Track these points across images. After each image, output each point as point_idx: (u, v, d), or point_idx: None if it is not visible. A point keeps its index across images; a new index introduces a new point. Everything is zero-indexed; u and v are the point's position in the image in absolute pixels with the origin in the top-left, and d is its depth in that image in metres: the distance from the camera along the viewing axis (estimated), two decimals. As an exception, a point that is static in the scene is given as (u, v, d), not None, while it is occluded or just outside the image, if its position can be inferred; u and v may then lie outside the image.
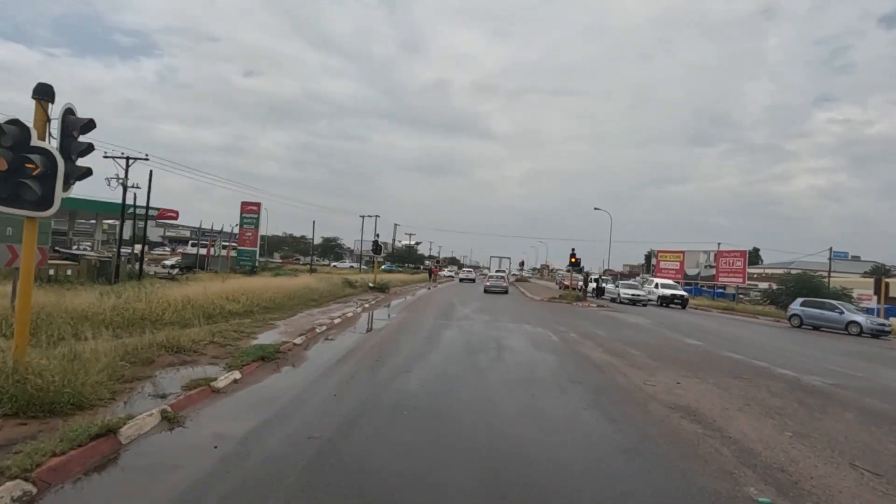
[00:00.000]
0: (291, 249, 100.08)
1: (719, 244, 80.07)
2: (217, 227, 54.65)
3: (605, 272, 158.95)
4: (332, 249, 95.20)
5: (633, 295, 33.85)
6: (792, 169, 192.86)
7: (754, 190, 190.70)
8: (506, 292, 41.74)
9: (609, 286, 38.11)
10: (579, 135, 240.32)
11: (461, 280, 68.04)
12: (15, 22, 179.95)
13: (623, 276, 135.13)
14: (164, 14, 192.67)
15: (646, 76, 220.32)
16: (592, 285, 38.86)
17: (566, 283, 47.99)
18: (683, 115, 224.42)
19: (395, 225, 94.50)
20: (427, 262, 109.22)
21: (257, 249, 51.51)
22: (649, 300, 34.72)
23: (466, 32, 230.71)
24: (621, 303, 33.88)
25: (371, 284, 28.90)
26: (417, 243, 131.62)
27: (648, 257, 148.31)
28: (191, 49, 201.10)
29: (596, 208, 63.79)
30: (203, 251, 55.74)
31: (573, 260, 31.78)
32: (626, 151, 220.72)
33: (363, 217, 69.48)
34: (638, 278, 74.75)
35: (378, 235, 29.02)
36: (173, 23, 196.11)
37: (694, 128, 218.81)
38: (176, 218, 50.08)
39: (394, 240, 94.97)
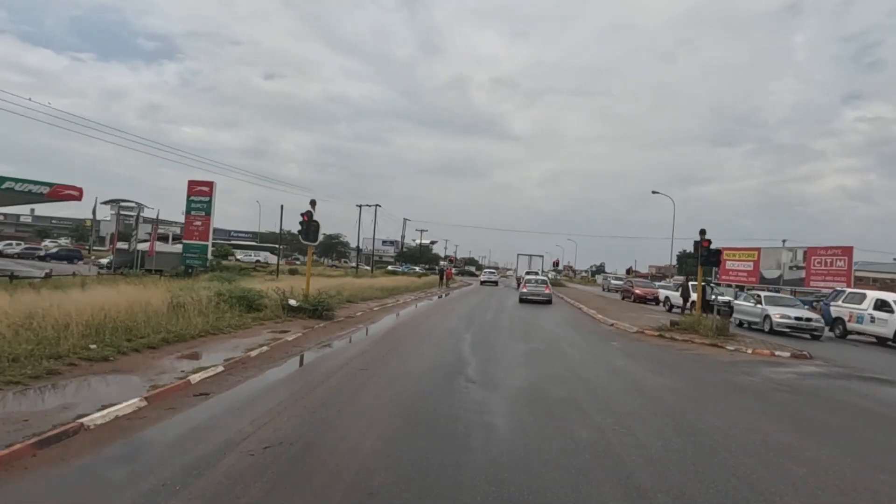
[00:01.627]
0: (291, 248, 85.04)
1: (783, 241, 63.82)
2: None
3: (628, 272, 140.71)
4: (334, 248, 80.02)
5: (797, 319, 17.70)
6: (819, 169, 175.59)
7: (780, 190, 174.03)
8: (549, 302, 27.95)
9: (741, 302, 21.69)
10: (600, 135, 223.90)
11: (482, 283, 53.93)
12: (44, 27, 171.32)
13: (654, 277, 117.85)
14: (188, 19, 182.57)
15: (668, 76, 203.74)
16: (692, 297, 22.86)
17: (638, 291, 32.01)
18: (706, 114, 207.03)
19: (405, 220, 79.38)
20: (443, 263, 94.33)
21: (209, 244, 36.57)
22: (848, 330, 18.56)
23: (486, 33, 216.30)
24: (772, 332, 17.86)
25: (293, 302, 13.24)
26: (433, 242, 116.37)
27: (680, 258, 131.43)
28: (213, 53, 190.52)
29: (654, 192, 47.79)
30: (147, 246, 41.02)
31: (707, 245, 15.69)
32: (648, 152, 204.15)
33: (360, 206, 54.39)
34: (671, 280, 58.18)
35: (314, 202, 13.22)
36: (196, 27, 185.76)
37: (717, 127, 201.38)
38: (79, 198, 35.41)
39: (402, 236, 79.88)
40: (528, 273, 42.48)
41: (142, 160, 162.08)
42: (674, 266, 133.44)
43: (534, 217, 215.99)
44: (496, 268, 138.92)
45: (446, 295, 31.94)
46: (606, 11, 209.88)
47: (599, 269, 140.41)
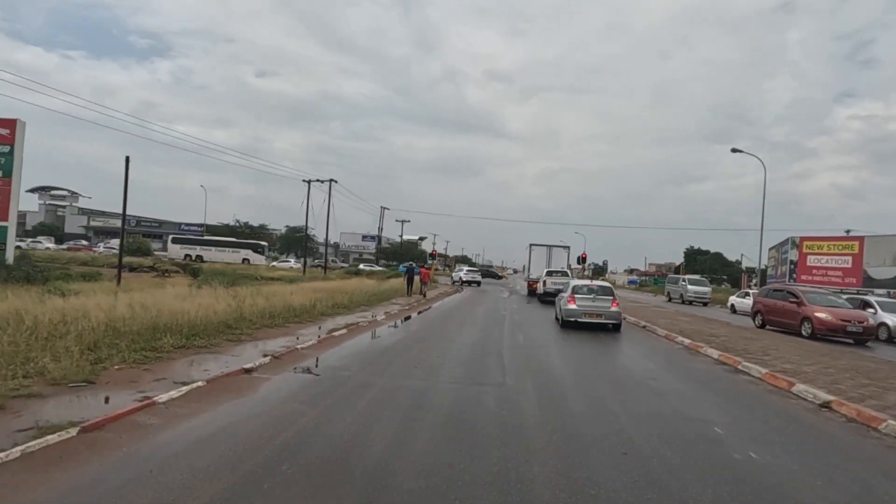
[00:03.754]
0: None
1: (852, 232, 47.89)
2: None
3: (677, 270, 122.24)
4: (299, 242, 62.33)
5: None
6: (813, 167, 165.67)
7: (775, 188, 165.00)
8: (617, 327, 14.44)
9: None
10: (598, 133, 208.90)
11: (464, 282, 39.27)
12: (33, 25, 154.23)
13: (662, 276, 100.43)
14: (180, 17, 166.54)
15: (666, 74, 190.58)
16: None
17: (821, 314, 14.06)
18: (703, 112, 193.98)
19: (383, 208, 62.29)
20: (431, 261, 78.14)
21: (10, 225, 19.18)
22: None
23: (482, 31, 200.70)
24: None
25: None
26: (421, 238, 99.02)
27: (688, 255, 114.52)
28: (207, 51, 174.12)
29: (734, 150, 30.80)
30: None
31: None
32: (645, 150, 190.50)
33: (308, 182, 37.10)
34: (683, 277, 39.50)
35: None
36: (189, 25, 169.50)
37: (713, 125, 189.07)
38: None
39: (380, 228, 62.69)
40: (549, 273, 25.33)
41: (133, 158, 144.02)
42: (681, 265, 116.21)
43: (531, 215, 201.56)
44: (489, 266, 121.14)
45: (403, 321, 14.79)
46: (602, 10, 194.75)
47: (601, 269, 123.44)
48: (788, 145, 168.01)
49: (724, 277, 79.57)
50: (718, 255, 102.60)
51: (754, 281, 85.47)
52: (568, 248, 28.87)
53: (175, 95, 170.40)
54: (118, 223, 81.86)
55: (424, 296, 25.38)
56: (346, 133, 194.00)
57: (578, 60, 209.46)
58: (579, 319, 14.08)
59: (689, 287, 32.95)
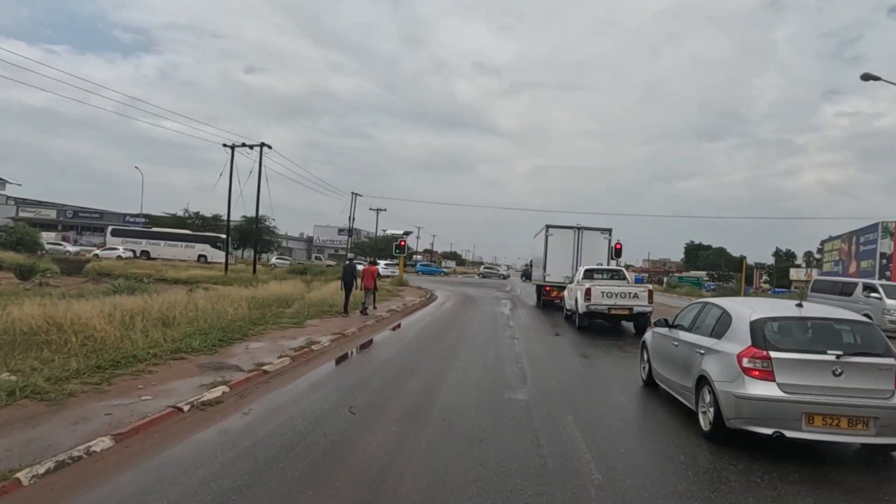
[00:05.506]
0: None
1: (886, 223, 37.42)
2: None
3: (627, 268, 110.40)
4: (254, 235, 50.21)
5: None
6: (800, 164, 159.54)
7: (763, 185, 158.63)
8: None
9: None
10: (588, 130, 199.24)
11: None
12: (15, 18, 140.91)
13: (660, 274, 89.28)
14: (167, 11, 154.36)
15: (655, 71, 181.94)
16: None
17: None
18: (692, 109, 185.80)
19: (354, 194, 50.55)
20: (399, 255, 66.41)
21: None
22: None
23: (472, 28, 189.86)
24: None
25: None
26: (406, 233, 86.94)
27: (689, 250, 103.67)
28: (194, 46, 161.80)
29: (865, 76, 19.24)
30: None
31: None
32: (635, 147, 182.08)
33: (231, 147, 25.14)
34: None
35: None
36: (176, 19, 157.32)
37: (702, 122, 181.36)
38: None
39: (351, 218, 50.80)
40: (589, 272, 13.45)
41: (120, 155, 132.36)
42: (681, 261, 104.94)
43: (521, 212, 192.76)
44: (480, 263, 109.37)
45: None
46: (593, 7, 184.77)
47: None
48: (777, 142, 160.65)
49: (732, 274, 68.06)
50: (721, 251, 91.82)
51: (764, 278, 74.27)
52: (609, 231, 16.95)
53: (161, 91, 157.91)
54: (52, 214, 69.07)
55: (364, 313, 13.69)
56: (337, 129, 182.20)
57: (568, 57, 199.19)
58: (793, 434, 3.58)
59: (888, 302, 14.21)
